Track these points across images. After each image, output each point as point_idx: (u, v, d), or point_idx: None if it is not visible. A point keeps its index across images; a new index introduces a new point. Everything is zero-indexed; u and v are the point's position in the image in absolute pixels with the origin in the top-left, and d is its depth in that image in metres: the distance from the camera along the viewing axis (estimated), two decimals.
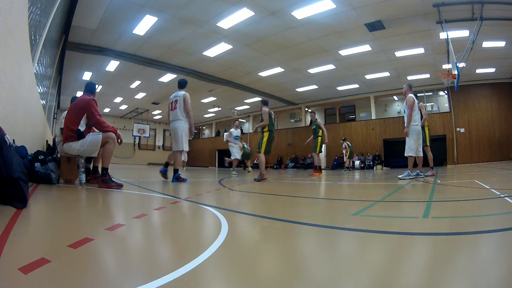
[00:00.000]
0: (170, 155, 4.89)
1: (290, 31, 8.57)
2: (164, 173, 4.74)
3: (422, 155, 5.23)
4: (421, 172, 5.27)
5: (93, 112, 3.13)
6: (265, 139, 5.29)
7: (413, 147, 5.07)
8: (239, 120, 10.87)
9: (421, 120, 5.39)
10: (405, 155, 5.13)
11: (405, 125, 5.13)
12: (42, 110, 7.00)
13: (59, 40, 8.39)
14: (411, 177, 4.96)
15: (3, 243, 0.99)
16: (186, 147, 4.60)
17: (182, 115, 4.59)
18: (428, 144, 5.76)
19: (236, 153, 8.74)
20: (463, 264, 0.92)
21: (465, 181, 4.39)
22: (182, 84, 4.82)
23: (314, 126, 7.94)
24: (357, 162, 14.30)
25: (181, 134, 4.55)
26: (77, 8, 7.10)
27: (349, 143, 12.51)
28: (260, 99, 17.17)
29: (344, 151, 12.51)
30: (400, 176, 5.13)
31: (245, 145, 10.52)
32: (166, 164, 4.83)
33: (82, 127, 3.23)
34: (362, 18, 7.85)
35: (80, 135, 3.10)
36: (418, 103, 5.35)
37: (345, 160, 12.40)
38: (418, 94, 15.12)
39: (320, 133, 7.80)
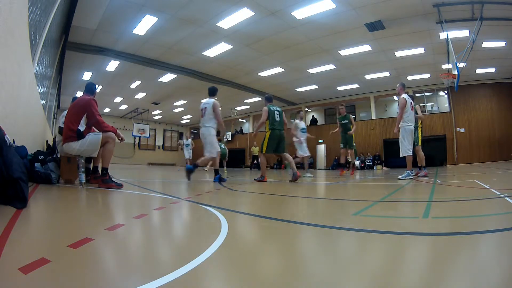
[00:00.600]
0: (204, 159, 4.82)
1: (290, 31, 8.57)
2: (191, 171, 4.68)
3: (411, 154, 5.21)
4: (412, 172, 5.28)
5: (93, 112, 3.13)
6: (266, 138, 5.09)
7: (408, 147, 5.08)
8: (300, 111, 9.51)
9: (416, 120, 5.39)
10: (401, 155, 5.16)
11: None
12: (42, 110, 7.00)
13: (59, 40, 8.39)
14: (411, 177, 4.94)
15: (3, 243, 0.99)
16: (215, 153, 4.73)
17: (209, 122, 4.70)
18: (419, 144, 5.74)
19: (305, 149, 7.73)
20: (463, 264, 0.92)
21: (465, 181, 4.39)
22: (211, 92, 4.87)
23: (347, 121, 7.25)
24: (357, 162, 14.31)
25: (210, 140, 4.71)
26: (77, 8, 7.10)
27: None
28: (260, 99, 17.05)
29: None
30: (399, 176, 5.13)
31: (222, 145, 10.53)
32: (195, 165, 4.79)
33: (82, 127, 3.24)
34: (362, 18, 7.84)
35: (80, 135, 3.10)
36: (413, 104, 5.32)
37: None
38: (418, 94, 15.10)
39: (351, 128, 7.23)
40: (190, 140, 11.52)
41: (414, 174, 5.27)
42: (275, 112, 5.11)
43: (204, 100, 4.85)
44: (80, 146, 3.08)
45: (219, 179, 4.56)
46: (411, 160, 5.13)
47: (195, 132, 26.91)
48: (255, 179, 5.10)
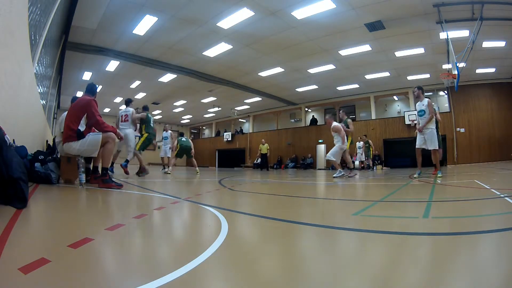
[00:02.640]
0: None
1: (290, 31, 8.57)
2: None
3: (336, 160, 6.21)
4: (341, 172, 6.08)
5: (93, 112, 3.15)
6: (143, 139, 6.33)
7: (331, 154, 6.17)
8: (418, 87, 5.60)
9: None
10: (327, 158, 6.40)
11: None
12: (42, 110, 6.99)
13: (59, 40, 8.39)
14: (342, 173, 5.95)
15: (3, 243, 0.99)
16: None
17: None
18: (347, 148, 6.55)
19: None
20: (463, 264, 0.92)
21: (465, 181, 4.39)
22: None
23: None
24: (357, 162, 14.31)
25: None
26: (77, 8, 7.10)
27: (369, 141, 12.52)
28: (260, 99, 17.01)
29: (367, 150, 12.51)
30: (334, 175, 6.03)
31: (183, 138, 8.37)
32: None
33: (82, 127, 3.24)
34: (362, 18, 7.84)
35: (80, 135, 3.10)
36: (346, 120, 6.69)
37: (366, 159, 12.46)
38: None
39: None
40: (169, 132, 9.42)
41: (343, 173, 6.12)
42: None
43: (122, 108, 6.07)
44: (80, 146, 3.08)
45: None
46: (337, 163, 6.22)
47: (194, 132, 26.95)
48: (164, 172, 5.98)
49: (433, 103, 5.45)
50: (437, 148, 5.24)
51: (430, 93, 14.24)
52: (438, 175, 5.16)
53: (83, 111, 3.17)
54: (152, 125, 6.36)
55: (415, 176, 5.45)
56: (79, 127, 3.15)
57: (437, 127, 5.62)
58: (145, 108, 6.65)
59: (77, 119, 3.14)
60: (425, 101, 5.32)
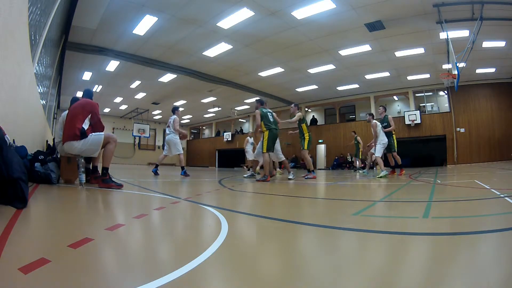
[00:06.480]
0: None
1: (290, 31, 8.57)
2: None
3: None
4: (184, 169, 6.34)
5: (96, 114, 3.28)
6: (265, 137, 5.59)
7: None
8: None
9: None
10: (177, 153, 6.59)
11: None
12: (42, 110, 6.99)
13: (59, 40, 8.39)
14: (188, 175, 6.00)
15: (3, 243, 0.99)
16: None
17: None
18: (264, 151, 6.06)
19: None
20: (463, 264, 0.92)
21: (465, 181, 4.39)
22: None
23: (386, 123, 7.43)
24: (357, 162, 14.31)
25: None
26: (77, 8, 7.10)
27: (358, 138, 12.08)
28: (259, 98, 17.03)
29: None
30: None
31: (270, 118, 8.02)
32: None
33: (86, 125, 3.27)
34: (362, 18, 7.84)
35: (83, 134, 3.12)
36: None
37: (354, 159, 12.12)
38: (418, 94, 15.12)
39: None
40: (251, 138, 9.68)
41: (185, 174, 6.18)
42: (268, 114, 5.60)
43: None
44: (82, 145, 3.09)
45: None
46: (182, 160, 6.56)
47: (195, 132, 26.96)
48: (257, 180, 5.11)
49: (377, 124, 7.11)
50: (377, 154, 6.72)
51: (430, 93, 14.27)
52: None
53: (88, 111, 3.25)
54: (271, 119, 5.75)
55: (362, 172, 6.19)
56: (83, 125, 3.19)
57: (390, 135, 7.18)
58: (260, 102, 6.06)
59: (83, 119, 3.19)
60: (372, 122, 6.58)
